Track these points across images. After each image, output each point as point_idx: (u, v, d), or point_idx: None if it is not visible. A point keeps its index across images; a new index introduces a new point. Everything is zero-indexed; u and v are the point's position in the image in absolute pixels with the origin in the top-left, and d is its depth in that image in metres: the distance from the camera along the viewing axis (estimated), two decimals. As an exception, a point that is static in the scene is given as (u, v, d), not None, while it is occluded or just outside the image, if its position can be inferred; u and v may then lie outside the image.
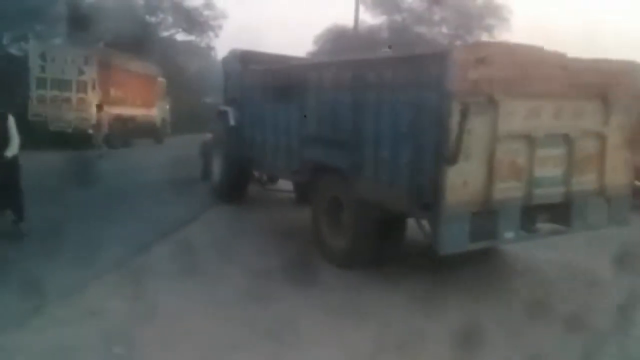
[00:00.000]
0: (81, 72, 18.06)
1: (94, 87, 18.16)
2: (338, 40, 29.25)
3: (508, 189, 4.91)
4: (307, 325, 4.46)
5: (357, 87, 5.69)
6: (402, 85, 5.03)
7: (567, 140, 5.26)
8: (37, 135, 16.27)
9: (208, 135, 11.46)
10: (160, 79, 24.36)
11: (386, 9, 30.65)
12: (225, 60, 10.47)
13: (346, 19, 30.87)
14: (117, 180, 11.50)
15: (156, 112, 23.80)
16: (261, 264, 6.11)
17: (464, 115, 4.38)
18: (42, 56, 18.04)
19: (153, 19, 31.90)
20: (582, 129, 5.34)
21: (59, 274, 5.13)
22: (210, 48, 34.84)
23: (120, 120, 19.60)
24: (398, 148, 5.11)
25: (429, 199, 4.70)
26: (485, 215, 4.80)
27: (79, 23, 20.55)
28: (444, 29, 30.34)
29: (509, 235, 5.04)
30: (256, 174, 9.94)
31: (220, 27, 33.81)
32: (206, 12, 33.28)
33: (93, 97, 18.05)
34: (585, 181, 5.48)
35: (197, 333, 4.30)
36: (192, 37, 34.57)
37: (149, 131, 22.70)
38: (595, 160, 5.53)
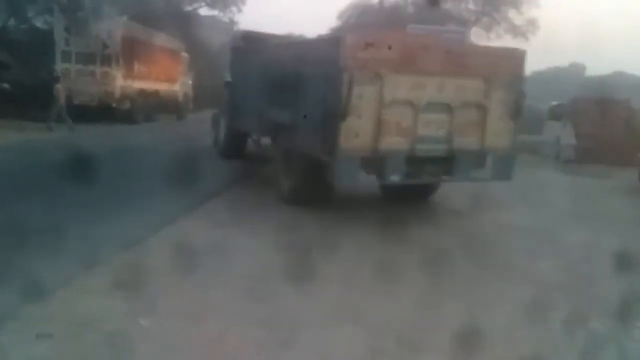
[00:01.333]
0: (105, 46, 19.50)
1: (117, 61, 19.67)
2: (362, 15, 31.14)
3: (394, 142, 7.11)
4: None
5: (294, 61, 8.04)
6: (317, 61, 7.35)
7: (448, 108, 7.36)
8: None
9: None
10: (184, 54, 25.98)
11: (412, -16, 32.20)
12: (231, 39, 13.07)
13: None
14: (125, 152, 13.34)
15: (179, 87, 25.44)
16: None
17: (350, 84, 6.63)
18: (67, 29, 19.31)
19: (177, -7, 33.92)
20: (463, 100, 7.43)
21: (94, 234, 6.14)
22: (233, 23, 35.96)
23: (143, 94, 21.33)
24: (315, 109, 7.38)
25: (330, 146, 6.94)
26: (374, 160, 7.03)
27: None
28: (471, 5, 31.89)
29: (395, 177, 7.23)
30: (254, 136, 11.90)
31: (243, 1, 35.45)
32: (229, -13, 34.93)
33: (117, 71, 19.66)
34: (468, 141, 7.57)
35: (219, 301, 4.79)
36: (215, 12, 36.16)
37: (171, 106, 24.44)
38: (477, 126, 7.61)
